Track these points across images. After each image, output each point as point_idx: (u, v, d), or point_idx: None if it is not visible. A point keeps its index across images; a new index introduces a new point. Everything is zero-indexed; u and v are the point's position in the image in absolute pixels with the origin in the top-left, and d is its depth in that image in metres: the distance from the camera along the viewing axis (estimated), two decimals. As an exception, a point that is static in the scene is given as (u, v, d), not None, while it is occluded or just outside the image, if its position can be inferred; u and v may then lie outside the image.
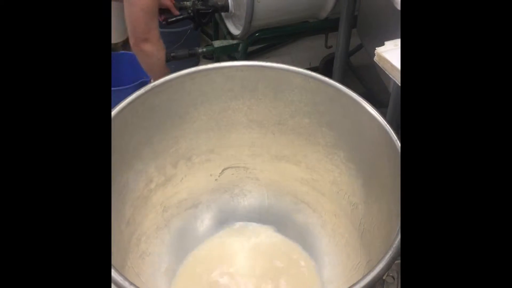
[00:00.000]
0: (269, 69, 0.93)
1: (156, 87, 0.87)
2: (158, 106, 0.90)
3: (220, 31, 1.84)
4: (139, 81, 1.70)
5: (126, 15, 1.12)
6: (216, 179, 1.10)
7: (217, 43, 1.49)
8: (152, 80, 1.40)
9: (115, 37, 2.19)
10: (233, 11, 1.53)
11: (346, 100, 0.87)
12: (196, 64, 1.08)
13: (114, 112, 0.81)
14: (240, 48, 1.48)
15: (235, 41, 1.50)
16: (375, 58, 0.82)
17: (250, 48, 1.67)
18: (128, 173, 0.90)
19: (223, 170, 1.10)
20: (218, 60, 2.03)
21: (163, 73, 1.25)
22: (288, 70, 0.92)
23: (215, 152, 1.07)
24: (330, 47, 1.67)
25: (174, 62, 1.43)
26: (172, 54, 1.41)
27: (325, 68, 2.09)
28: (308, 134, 0.99)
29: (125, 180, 0.89)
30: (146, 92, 0.86)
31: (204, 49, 1.47)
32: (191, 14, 1.46)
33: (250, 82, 0.96)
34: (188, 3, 1.49)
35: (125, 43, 2.34)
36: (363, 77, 1.90)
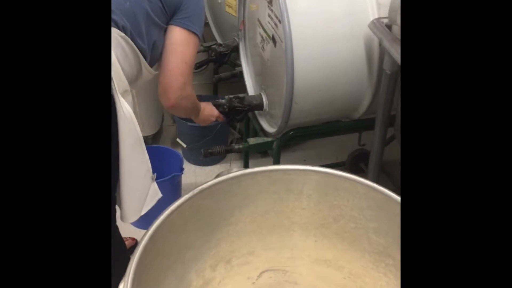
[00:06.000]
0: (315, 173, 0.93)
1: (204, 190, 0.87)
2: (204, 209, 0.89)
3: (251, 127, 1.88)
4: (172, 175, 1.71)
5: (168, 67, 1.23)
6: (253, 282, 1.06)
7: (252, 141, 1.51)
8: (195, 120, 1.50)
9: (147, 131, 2.25)
10: (267, 109, 1.57)
11: (396, 207, 0.85)
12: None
13: (162, 216, 0.80)
14: (274, 145, 1.50)
15: (269, 139, 1.52)
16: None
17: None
18: (170, 278, 0.88)
19: (261, 273, 1.06)
20: (247, 154, 2.05)
21: (199, 110, 1.40)
22: (335, 175, 0.92)
23: (254, 254, 1.04)
24: (363, 145, 1.69)
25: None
26: (209, 150, 1.44)
27: (353, 164, 2.08)
28: (353, 239, 0.97)
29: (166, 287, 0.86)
30: (194, 195, 0.86)
31: (241, 146, 1.50)
32: (226, 110, 1.50)
33: (296, 185, 0.95)
34: (223, 100, 1.54)
35: (154, 137, 2.39)
36: (392, 173, 1.89)
